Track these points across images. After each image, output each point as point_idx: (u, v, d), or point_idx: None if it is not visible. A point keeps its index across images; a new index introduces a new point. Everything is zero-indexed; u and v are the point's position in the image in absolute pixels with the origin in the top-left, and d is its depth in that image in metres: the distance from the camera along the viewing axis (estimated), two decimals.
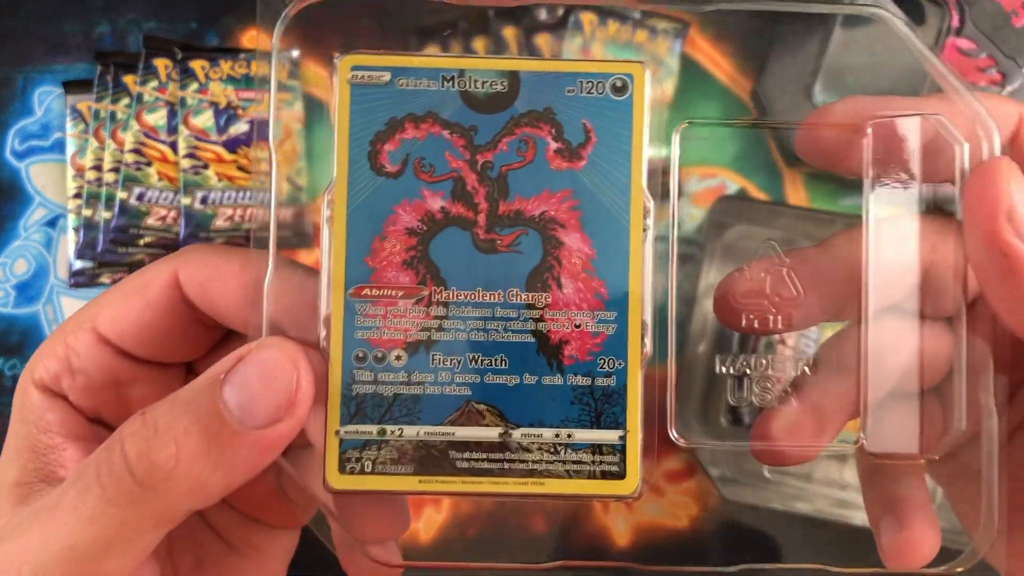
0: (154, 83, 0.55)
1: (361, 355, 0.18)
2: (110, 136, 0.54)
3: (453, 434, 0.18)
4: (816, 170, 0.53)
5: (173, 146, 0.54)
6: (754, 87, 0.54)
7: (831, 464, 0.50)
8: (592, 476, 0.18)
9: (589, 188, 0.18)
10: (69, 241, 0.54)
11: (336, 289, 0.18)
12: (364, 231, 0.18)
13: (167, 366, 0.23)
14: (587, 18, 0.54)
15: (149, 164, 0.54)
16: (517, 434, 0.18)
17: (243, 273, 0.20)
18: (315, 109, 0.57)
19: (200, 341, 0.22)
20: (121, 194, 0.53)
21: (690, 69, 0.56)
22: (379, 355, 0.18)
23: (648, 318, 0.19)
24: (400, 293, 0.18)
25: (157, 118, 0.54)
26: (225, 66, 0.55)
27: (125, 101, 0.55)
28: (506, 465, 0.18)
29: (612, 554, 0.52)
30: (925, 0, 0.53)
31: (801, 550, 0.52)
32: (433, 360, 0.18)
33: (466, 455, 0.18)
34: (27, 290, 0.55)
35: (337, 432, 0.18)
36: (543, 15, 0.55)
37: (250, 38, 0.57)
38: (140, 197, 0.54)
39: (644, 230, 0.18)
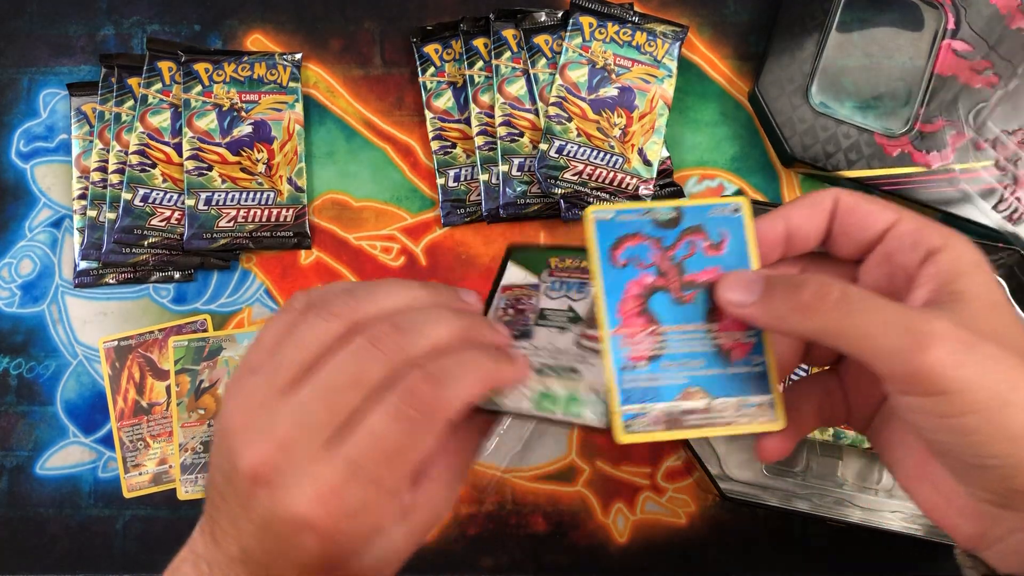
0: (158, 85, 0.55)
1: (623, 366, 0.30)
2: (115, 138, 0.55)
3: (680, 406, 0.29)
4: (812, 171, 0.54)
5: (177, 148, 0.54)
6: (752, 89, 0.54)
7: (829, 463, 0.50)
8: (755, 420, 0.30)
9: (728, 263, 0.30)
10: (74, 242, 0.55)
11: (604, 331, 0.30)
12: (614, 298, 0.30)
13: None
14: (586, 20, 0.55)
15: (154, 166, 0.54)
16: (716, 403, 0.30)
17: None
18: (315, 110, 0.57)
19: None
20: (126, 195, 0.54)
21: (689, 71, 0.56)
22: (633, 365, 0.30)
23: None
24: (638, 330, 0.30)
25: (161, 120, 0.55)
26: (228, 68, 0.55)
27: (129, 103, 0.55)
28: (711, 420, 0.29)
29: (612, 551, 0.52)
30: (921, 3, 0.54)
31: (799, 548, 0.53)
32: (662, 365, 0.30)
33: (690, 417, 0.29)
34: (32, 290, 0.55)
35: (617, 411, 0.29)
36: (543, 16, 0.55)
37: (253, 41, 0.57)
38: (145, 198, 0.54)
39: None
